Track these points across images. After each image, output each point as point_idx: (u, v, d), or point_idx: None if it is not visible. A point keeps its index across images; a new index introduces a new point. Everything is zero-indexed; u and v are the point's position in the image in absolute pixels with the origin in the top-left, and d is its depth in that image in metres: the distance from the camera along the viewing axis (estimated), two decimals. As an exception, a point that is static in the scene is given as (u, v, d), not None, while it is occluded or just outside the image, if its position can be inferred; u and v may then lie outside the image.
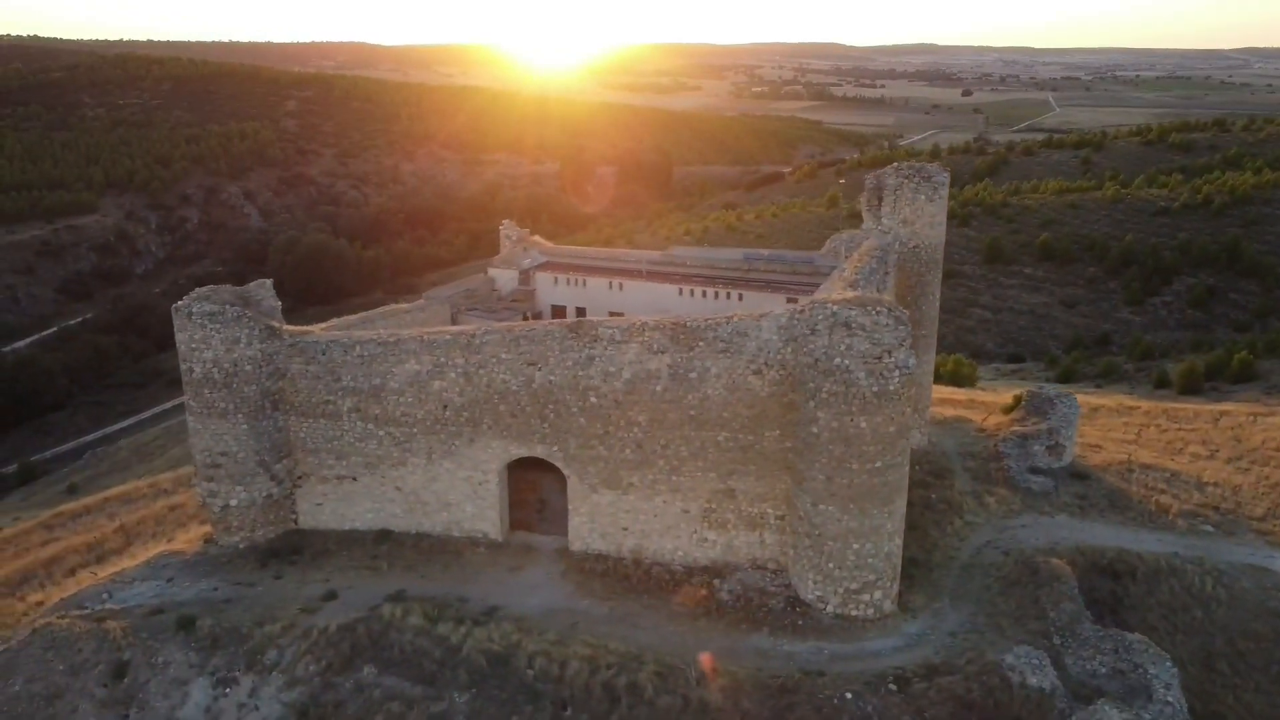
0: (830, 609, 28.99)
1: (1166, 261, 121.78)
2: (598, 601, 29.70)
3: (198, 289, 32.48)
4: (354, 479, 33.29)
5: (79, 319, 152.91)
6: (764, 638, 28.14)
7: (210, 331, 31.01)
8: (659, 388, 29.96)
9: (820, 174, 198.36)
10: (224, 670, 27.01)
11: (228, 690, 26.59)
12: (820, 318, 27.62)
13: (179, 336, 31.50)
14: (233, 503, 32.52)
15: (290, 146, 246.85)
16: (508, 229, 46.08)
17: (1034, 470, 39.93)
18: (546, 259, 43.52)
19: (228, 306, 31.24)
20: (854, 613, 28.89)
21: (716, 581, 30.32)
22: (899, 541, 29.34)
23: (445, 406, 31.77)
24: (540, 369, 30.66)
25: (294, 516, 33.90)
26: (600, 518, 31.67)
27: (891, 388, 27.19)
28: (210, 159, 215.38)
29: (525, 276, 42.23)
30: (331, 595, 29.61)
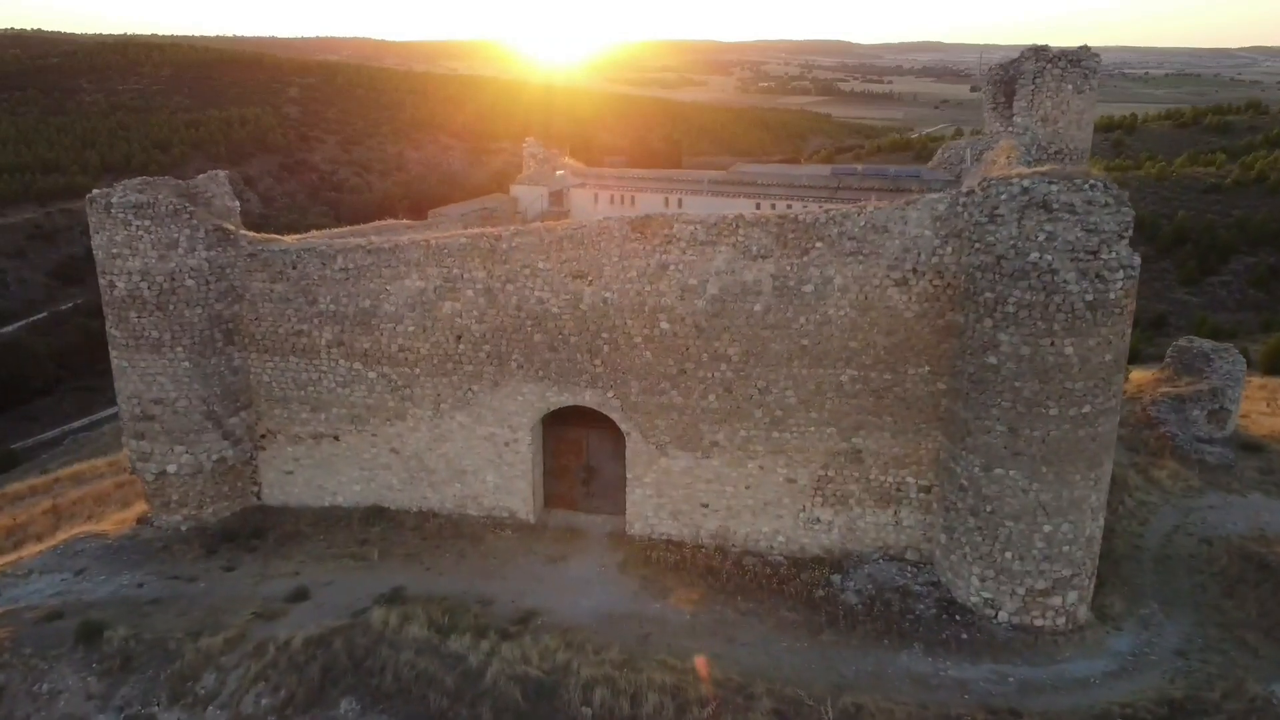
0: (1004, 617, 20.45)
1: (1223, 240, 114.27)
2: (674, 605, 21.17)
3: (129, 180, 23.98)
4: (335, 438, 24.74)
5: (70, 304, 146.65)
6: (917, 657, 19.62)
7: (137, 231, 22.48)
8: (758, 307, 21.46)
9: (837, 158, 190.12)
10: (137, 704, 18.46)
11: (141, 734, 18.10)
12: (1003, 198, 19.11)
13: (94, 240, 22.96)
14: (171, 469, 23.97)
15: (292, 133, 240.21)
16: (532, 146, 37.56)
17: (1199, 440, 31.56)
18: (583, 179, 35.01)
19: (162, 198, 22.71)
20: (1039, 622, 20.35)
21: (837, 578, 21.76)
22: (1102, 523, 20.80)
23: (459, 338, 23.25)
24: (591, 283, 22.13)
25: (255, 489, 25.36)
26: (671, 490, 23.12)
27: (1113, 295, 18.67)
28: (210, 144, 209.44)
29: (557, 196, 33.70)
30: (301, 594, 21.13)
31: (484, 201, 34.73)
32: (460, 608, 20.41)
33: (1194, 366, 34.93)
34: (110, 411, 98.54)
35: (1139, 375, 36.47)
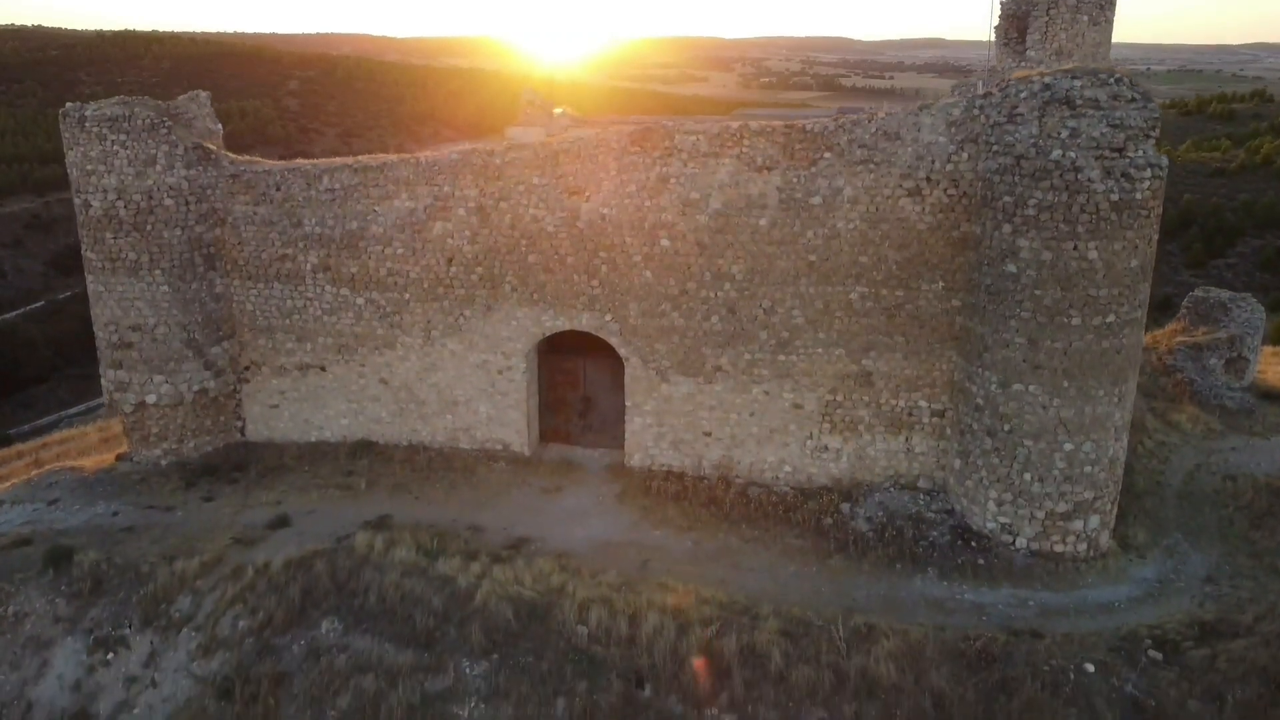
0: (1022, 543, 19.40)
1: (1229, 223, 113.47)
2: (675, 533, 20.13)
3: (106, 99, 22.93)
4: (322, 369, 23.70)
5: (68, 293, 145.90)
6: (931, 582, 18.57)
7: (112, 146, 21.43)
8: (763, 222, 20.42)
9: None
10: (107, 626, 17.46)
11: (110, 656, 17.07)
12: (1023, 96, 18.06)
13: (69, 156, 21.91)
14: (150, 399, 22.93)
15: (292, 125, 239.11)
16: (530, 95, 36.41)
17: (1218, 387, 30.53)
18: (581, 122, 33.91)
19: (139, 111, 21.68)
20: (1059, 548, 19.29)
21: (846, 506, 20.71)
22: (1125, 444, 19.75)
23: (451, 260, 22.21)
24: (588, 199, 21.08)
25: (239, 424, 24.33)
26: (672, 418, 22.08)
27: (1139, 196, 17.62)
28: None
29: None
30: (282, 521, 20.11)
31: (477, 145, 33.58)
32: (450, 534, 19.40)
33: (1211, 317, 33.84)
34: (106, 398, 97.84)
35: (1150, 335, 35.39)
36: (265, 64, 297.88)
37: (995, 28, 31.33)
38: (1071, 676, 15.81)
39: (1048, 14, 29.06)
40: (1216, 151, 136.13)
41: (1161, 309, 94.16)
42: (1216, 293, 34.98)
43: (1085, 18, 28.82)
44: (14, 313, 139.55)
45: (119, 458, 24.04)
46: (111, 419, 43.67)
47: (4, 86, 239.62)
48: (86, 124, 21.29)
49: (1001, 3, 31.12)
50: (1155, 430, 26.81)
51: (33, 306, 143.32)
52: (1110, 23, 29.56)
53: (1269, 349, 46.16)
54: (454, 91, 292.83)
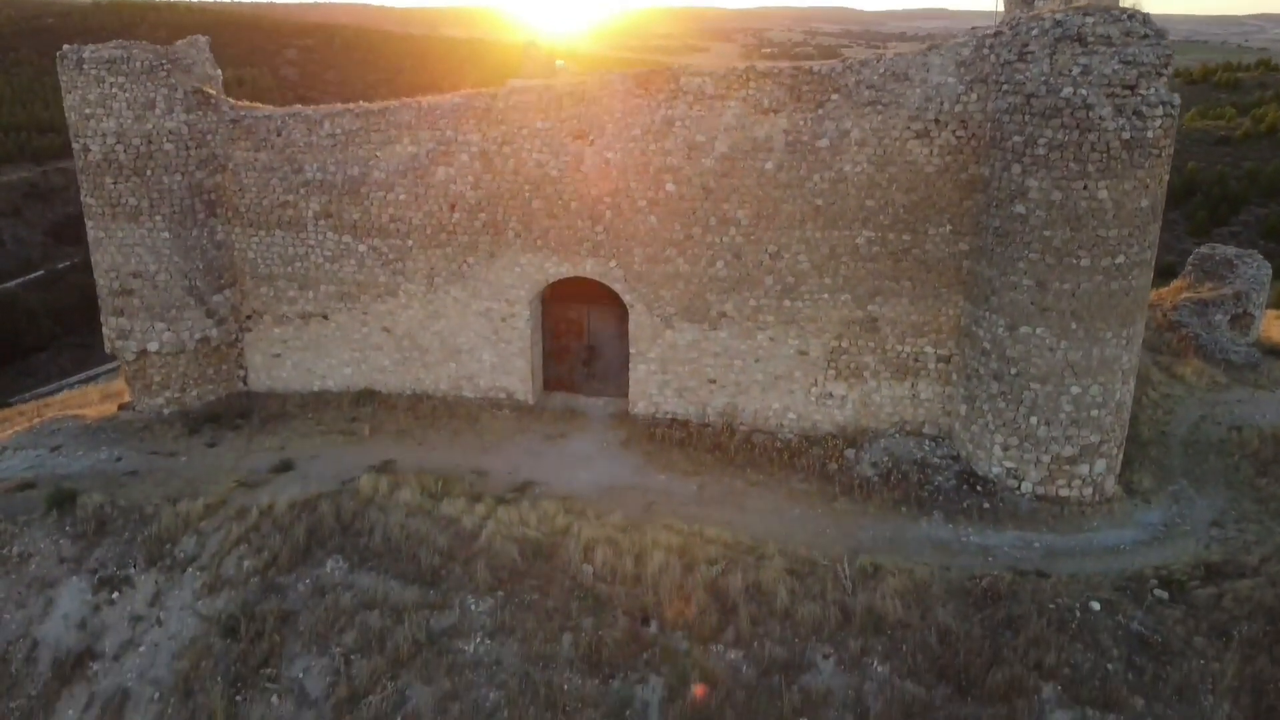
0: (1027, 488, 19.35)
1: (1233, 190, 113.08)
2: (680, 477, 20.09)
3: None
4: (324, 317, 23.57)
5: (67, 263, 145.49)
6: (937, 525, 18.56)
7: (111, 89, 21.19)
8: (769, 165, 20.21)
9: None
10: (112, 566, 17.45)
11: (115, 595, 17.07)
12: (1034, 34, 17.81)
13: (66, 100, 21.67)
14: (152, 346, 22.81)
15: (290, 94, 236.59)
16: (533, 49, 36.03)
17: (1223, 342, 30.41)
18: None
19: (137, 53, 21.41)
20: (1064, 493, 19.25)
21: (851, 452, 20.66)
22: (1132, 388, 19.66)
23: (454, 206, 22.02)
24: (593, 142, 20.86)
25: (241, 373, 24.23)
26: (676, 365, 21.98)
27: (1151, 134, 17.41)
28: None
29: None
30: (285, 466, 20.06)
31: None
32: (454, 478, 19.36)
33: (1216, 273, 33.64)
34: (107, 367, 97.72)
35: (1155, 292, 35.22)
36: (263, 32, 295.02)
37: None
38: (1077, 614, 15.82)
39: (1057, -37, 28.61)
40: (1221, 120, 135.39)
41: (1165, 276, 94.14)
42: (1222, 249, 34.78)
43: (1095, -34, 28.38)
44: (13, 282, 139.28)
45: (121, 407, 23.99)
46: (113, 381, 43.75)
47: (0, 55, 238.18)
48: (84, 66, 21.04)
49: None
50: (1160, 383, 26.72)
51: (32, 276, 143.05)
52: (1120, -28, 29.14)
53: (1272, 313, 46.08)
54: (455, 61, 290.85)
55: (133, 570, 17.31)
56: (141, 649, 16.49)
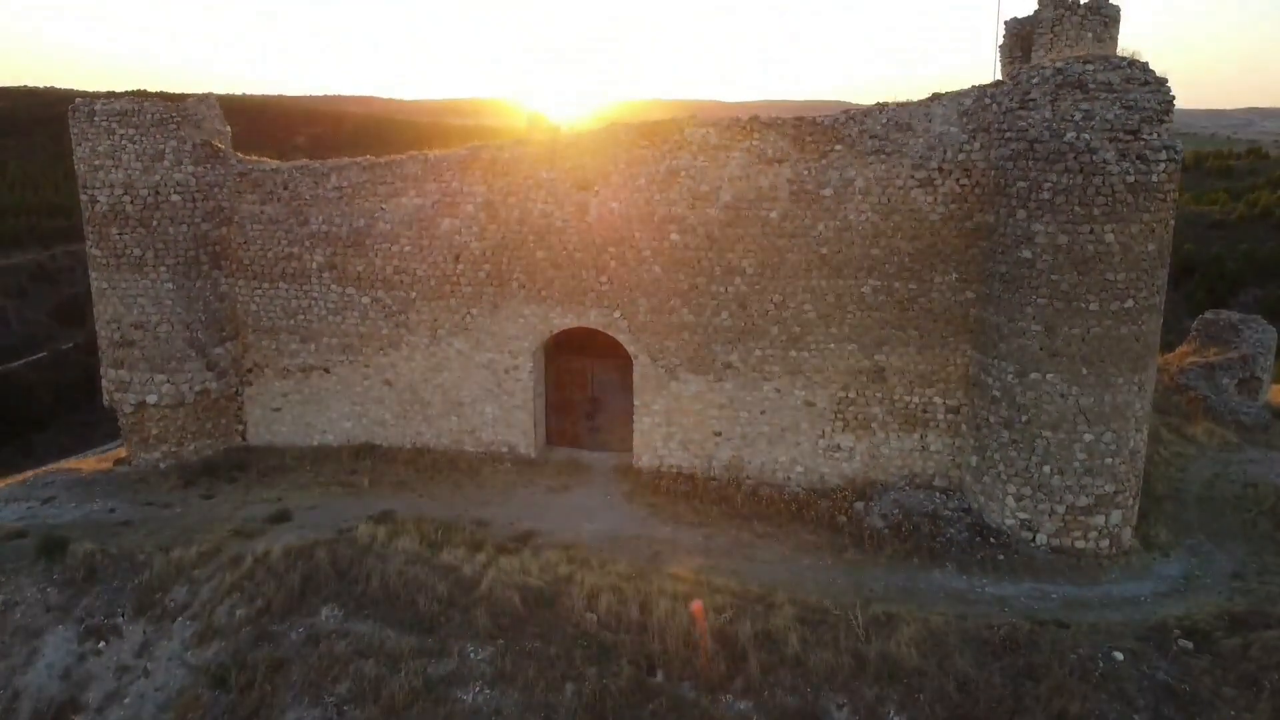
0: (1042, 539, 18.86)
1: (1231, 270, 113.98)
2: (686, 528, 19.61)
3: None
4: (326, 370, 23.36)
5: (70, 344, 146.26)
6: (951, 575, 18.03)
7: (121, 141, 21.39)
8: (774, 214, 20.25)
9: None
10: (99, 615, 16.89)
11: (101, 645, 16.47)
12: (1035, 82, 18.01)
13: (77, 152, 21.86)
14: (150, 399, 22.56)
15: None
16: (536, 123, 36.67)
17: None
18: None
19: (147, 106, 21.67)
20: (1080, 544, 18.75)
21: (860, 505, 20.22)
22: (1145, 436, 19.32)
23: (458, 257, 22.01)
24: (597, 194, 20.95)
25: (240, 427, 23.92)
26: (681, 417, 21.67)
27: (1155, 178, 17.47)
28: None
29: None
30: (283, 516, 19.61)
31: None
32: (454, 527, 18.90)
33: (1221, 338, 33.56)
34: (108, 447, 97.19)
35: (1161, 357, 35.04)
36: (272, 119, 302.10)
37: (1000, 47, 31.51)
38: (1100, 664, 15.23)
39: (1052, 31, 29.19)
40: (1215, 205, 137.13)
41: (1167, 349, 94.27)
42: (1227, 314, 34.75)
43: (1090, 35, 28.93)
44: (18, 362, 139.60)
45: (117, 462, 23.65)
46: (111, 450, 43.28)
47: (15, 141, 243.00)
48: (96, 118, 21.27)
49: (1006, 23, 31.35)
50: (1171, 442, 26.36)
51: (36, 356, 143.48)
52: (1115, 40, 29.68)
53: (1278, 387, 45.81)
54: (461, 144, 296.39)
55: (121, 619, 16.75)
56: (126, 700, 15.84)
